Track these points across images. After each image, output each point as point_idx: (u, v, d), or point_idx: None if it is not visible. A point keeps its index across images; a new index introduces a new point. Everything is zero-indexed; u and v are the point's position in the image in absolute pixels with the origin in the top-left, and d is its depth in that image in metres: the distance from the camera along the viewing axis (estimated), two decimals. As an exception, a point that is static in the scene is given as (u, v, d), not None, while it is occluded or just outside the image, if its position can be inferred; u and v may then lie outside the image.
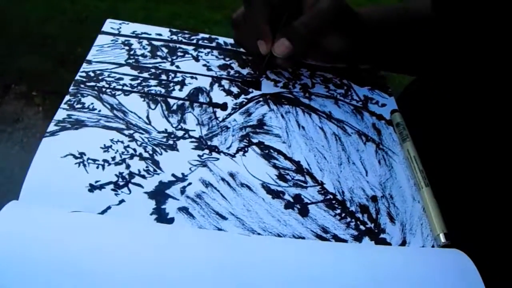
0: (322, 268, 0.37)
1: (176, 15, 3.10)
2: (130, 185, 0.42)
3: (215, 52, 0.58)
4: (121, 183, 0.42)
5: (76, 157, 0.43)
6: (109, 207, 0.40)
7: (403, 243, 0.42)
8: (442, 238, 0.43)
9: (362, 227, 0.43)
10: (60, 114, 0.47)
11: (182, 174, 0.44)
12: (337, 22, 0.53)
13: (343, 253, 0.40)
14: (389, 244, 0.42)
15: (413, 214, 0.45)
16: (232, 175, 0.45)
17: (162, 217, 0.40)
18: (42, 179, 0.41)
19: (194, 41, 0.60)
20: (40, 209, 0.38)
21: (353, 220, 0.43)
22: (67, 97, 0.49)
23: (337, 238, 0.41)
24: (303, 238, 0.41)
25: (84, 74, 0.52)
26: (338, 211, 0.44)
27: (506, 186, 0.49)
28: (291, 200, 0.44)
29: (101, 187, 0.41)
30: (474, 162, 0.52)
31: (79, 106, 0.48)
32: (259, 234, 0.40)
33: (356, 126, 0.52)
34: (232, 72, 0.56)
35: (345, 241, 0.41)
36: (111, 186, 0.41)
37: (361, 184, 0.47)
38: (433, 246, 0.43)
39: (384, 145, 0.51)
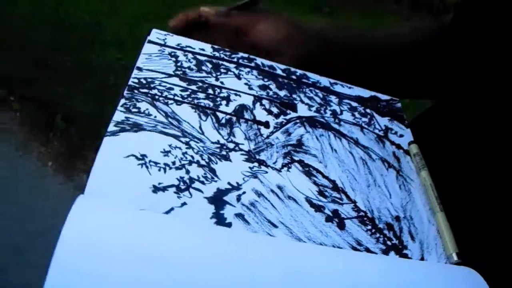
0: (362, 277, 0.43)
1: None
2: (191, 189, 0.46)
3: (255, 72, 0.63)
4: (183, 187, 0.46)
5: (138, 158, 0.47)
6: (172, 209, 0.44)
7: (422, 259, 0.48)
8: (455, 257, 0.49)
9: (389, 242, 0.49)
10: (118, 115, 0.50)
11: (237, 183, 0.48)
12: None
13: (376, 263, 0.46)
14: (410, 259, 0.48)
15: (429, 235, 0.51)
16: (280, 187, 0.50)
17: (220, 221, 0.44)
18: (106, 177, 0.44)
19: (235, 59, 0.64)
20: (110, 204, 0.42)
21: (381, 236, 0.49)
22: (123, 100, 0.52)
23: (368, 251, 0.47)
24: (341, 248, 0.46)
25: (136, 81, 0.55)
26: (369, 227, 0.50)
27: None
28: (330, 214, 0.49)
29: (164, 189, 0.45)
30: (486, 187, 0.59)
31: (135, 110, 0.51)
32: (304, 242, 0.46)
33: (379, 153, 0.58)
34: (270, 93, 0.61)
35: (375, 253, 0.47)
36: (174, 189, 0.45)
37: (386, 205, 0.53)
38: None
39: (403, 172, 0.57)
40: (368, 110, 0.64)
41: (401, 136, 0.62)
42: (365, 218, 0.50)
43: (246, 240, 0.43)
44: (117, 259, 0.37)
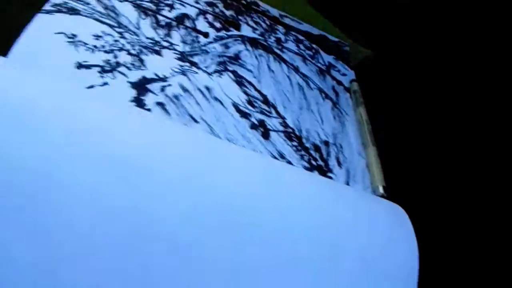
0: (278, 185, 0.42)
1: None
2: (115, 72, 0.45)
3: None
4: (107, 69, 0.45)
5: (68, 36, 0.46)
6: (92, 86, 0.43)
7: (347, 184, 0.48)
8: (381, 189, 0.49)
9: (313, 162, 0.49)
10: None
11: (164, 75, 0.48)
12: None
13: (297, 175, 0.45)
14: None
15: (357, 166, 0.51)
16: (208, 88, 0.49)
17: (140, 105, 0.44)
18: (32, 48, 0.43)
19: None
20: (27, 70, 0.41)
21: (306, 154, 0.49)
22: None
23: (290, 164, 0.47)
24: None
25: None
26: (295, 143, 0.49)
27: (443, 149, 0.56)
28: (256, 123, 0.49)
29: (88, 67, 0.44)
30: (419, 128, 0.59)
31: None
32: (225, 141, 0.45)
33: (318, 83, 0.59)
34: (217, 10, 0.61)
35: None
36: (98, 68, 0.45)
37: (317, 129, 0.53)
38: None
39: (339, 106, 0.57)
40: (314, 45, 0.65)
41: (344, 75, 0.63)
42: (292, 135, 0.50)
43: (163, 125, 0.43)
44: (32, 122, 0.36)
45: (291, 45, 0.62)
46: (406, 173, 0.56)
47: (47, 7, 0.48)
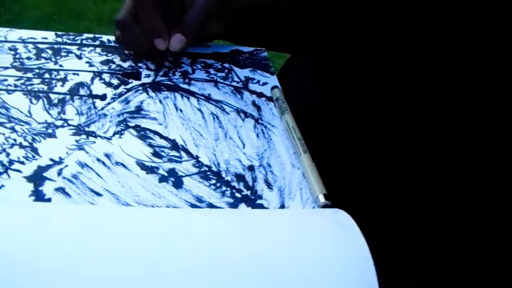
0: (193, 233, 0.42)
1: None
2: (9, 171, 0.47)
3: (98, 50, 0.65)
4: (1, 170, 0.47)
5: (-46, 150, 0.49)
6: None
7: (282, 207, 0.47)
8: (322, 198, 0.48)
9: (238, 194, 0.48)
10: None
11: (60, 157, 0.49)
12: (216, 10, 0.63)
13: (217, 218, 0.45)
14: (267, 208, 0.47)
15: (292, 180, 0.50)
16: (107, 155, 0.50)
17: (39, 198, 0.45)
18: None
19: (78, 41, 0.66)
20: None
21: (228, 188, 0.49)
22: None
23: (212, 207, 0.46)
24: (177, 208, 0.46)
25: None
26: (213, 181, 0.49)
27: (376, 144, 0.55)
28: (165, 174, 0.49)
29: None
30: (347, 126, 0.59)
31: None
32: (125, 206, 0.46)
33: (234, 105, 0.59)
34: (113, 66, 0.62)
35: (220, 208, 0.47)
36: None
37: (238, 156, 0.52)
38: (313, 208, 0.48)
39: (263, 119, 0.57)
40: (226, 65, 0.65)
41: (265, 84, 0.62)
42: (208, 173, 0.50)
43: (58, 212, 0.44)
44: None
45: (199, 74, 0.63)
46: (343, 174, 0.56)
47: None
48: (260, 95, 0.61)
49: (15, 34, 0.66)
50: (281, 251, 0.41)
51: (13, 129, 0.52)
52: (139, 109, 0.57)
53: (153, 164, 0.50)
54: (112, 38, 0.68)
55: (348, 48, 0.60)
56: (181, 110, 0.57)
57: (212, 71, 0.64)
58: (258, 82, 0.63)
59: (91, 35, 0.67)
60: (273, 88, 0.61)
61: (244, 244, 0.41)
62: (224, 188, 0.49)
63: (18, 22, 3.27)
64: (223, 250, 0.40)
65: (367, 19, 0.58)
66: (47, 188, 0.46)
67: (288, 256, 0.40)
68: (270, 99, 0.60)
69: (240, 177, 0.50)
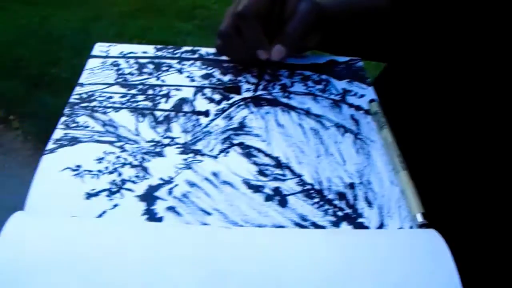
0: (297, 253, 0.44)
1: (147, 29, 3.27)
2: (122, 191, 0.50)
3: (198, 63, 0.67)
4: (114, 190, 0.50)
5: (73, 170, 0.52)
6: (104, 211, 0.48)
7: (381, 226, 0.49)
8: (419, 218, 0.49)
9: (340, 213, 0.50)
10: (57, 133, 0.56)
11: (169, 177, 0.52)
12: (316, 21, 0.65)
13: (315, 238, 0.47)
14: (367, 227, 0.49)
15: (391, 197, 0.52)
16: (215, 174, 0.53)
17: (152, 216, 0.48)
18: (43, 192, 0.49)
19: (178, 55, 0.69)
20: (43, 217, 0.47)
21: (331, 207, 0.50)
22: (63, 118, 0.58)
23: (315, 225, 0.48)
24: (283, 227, 0.48)
25: (77, 97, 0.61)
26: (316, 199, 0.51)
27: (476, 164, 0.56)
28: (271, 192, 0.51)
29: (97, 194, 0.50)
30: (448, 143, 0.59)
31: (74, 125, 0.57)
32: (241, 226, 0.48)
33: (334, 119, 0.60)
34: (214, 80, 0.65)
35: (323, 227, 0.48)
36: (106, 192, 0.50)
37: (339, 173, 0.54)
38: (411, 227, 0.49)
39: (362, 134, 0.58)
40: (323, 76, 0.66)
41: (362, 96, 0.63)
42: (312, 191, 0.52)
43: (171, 233, 0.47)
44: (52, 268, 0.42)
45: (298, 87, 0.64)
46: (442, 191, 0.56)
47: (50, 145, 0.54)
48: (357, 108, 0.62)
49: (116, 49, 0.70)
50: (373, 274, 0.43)
51: (122, 148, 0.55)
52: (242, 125, 0.59)
53: (259, 183, 0.52)
54: (210, 50, 0.70)
55: (452, 56, 0.60)
56: (282, 126, 0.59)
57: (310, 83, 0.65)
58: (355, 94, 0.64)
59: (189, 48, 0.70)
60: (371, 101, 0.62)
61: (341, 267, 0.43)
62: (326, 206, 0.50)
63: (101, 18, 3.35)
64: (323, 271, 0.42)
65: (473, 25, 0.58)
66: (159, 207, 0.49)
67: (380, 280, 0.42)
68: (367, 112, 0.61)
69: (341, 195, 0.51)
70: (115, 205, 0.49)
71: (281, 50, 0.64)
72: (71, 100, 0.61)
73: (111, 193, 0.50)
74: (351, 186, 0.53)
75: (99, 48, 0.69)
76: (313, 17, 0.64)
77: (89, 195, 0.49)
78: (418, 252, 0.45)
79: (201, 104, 0.61)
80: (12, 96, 2.62)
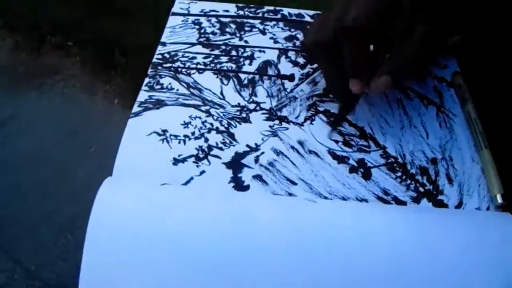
0: (376, 230, 0.46)
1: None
2: (209, 157, 0.51)
3: (281, 24, 0.67)
4: (201, 156, 0.52)
5: (159, 134, 0.53)
6: (192, 178, 0.49)
7: (460, 204, 0.50)
8: (499, 199, 0.49)
9: (421, 189, 0.51)
10: (142, 95, 0.57)
11: (256, 144, 0.53)
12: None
13: (397, 216, 0.47)
14: (446, 205, 0.50)
15: (472, 175, 0.52)
16: (301, 143, 0.53)
17: (239, 185, 0.49)
18: (131, 157, 0.51)
19: (260, 14, 0.68)
20: (133, 183, 0.48)
21: (412, 182, 0.51)
22: (147, 79, 0.59)
23: (397, 200, 0.50)
24: (366, 200, 0.49)
25: (160, 57, 0.62)
26: (399, 173, 0.52)
27: None
28: (355, 164, 0.52)
29: (184, 160, 0.51)
30: None
31: (158, 87, 0.58)
32: (325, 197, 0.49)
33: (418, 90, 0.60)
34: (297, 43, 0.64)
35: (404, 202, 0.49)
36: (193, 159, 0.51)
37: (422, 147, 0.54)
38: (488, 207, 0.49)
39: (445, 107, 0.58)
40: None
41: (445, 67, 0.62)
42: (395, 165, 0.52)
43: (258, 205, 0.48)
44: (144, 237, 0.43)
45: None
46: None
47: (135, 108, 0.55)
48: (441, 79, 0.61)
49: (196, 6, 0.69)
50: (446, 256, 0.44)
51: (208, 113, 0.56)
52: (327, 92, 0.59)
53: (344, 154, 0.53)
54: (292, 11, 0.69)
55: None
56: (367, 94, 0.58)
57: None
58: (438, 64, 0.63)
59: (271, 8, 0.69)
60: (454, 74, 0.61)
61: (418, 247, 0.44)
62: (409, 181, 0.51)
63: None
64: (401, 250, 0.43)
65: None
66: (246, 175, 0.51)
67: (451, 262, 0.44)
68: (450, 84, 0.60)
69: (424, 171, 0.52)
70: (202, 172, 0.50)
71: (387, 82, 0.51)
72: (154, 60, 0.61)
73: (198, 159, 0.51)
74: (434, 161, 0.53)
75: (179, 5, 0.69)
76: (433, 40, 0.52)
77: (177, 161, 0.51)
78: (493, 237, 0.46)
79: (285, 67, 0.61)
80: (70, 22, 2.58)
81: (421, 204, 0.49)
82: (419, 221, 0.46)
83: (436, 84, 0.60)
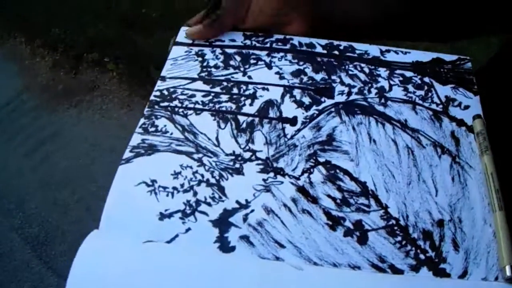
0: None
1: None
2: (196, 213, 0.49)
3: (289, 56, 0.62)
4: (188, 212, 0.49)
5: (148, 185, 0.51)
6: (177, 235, 0.47)
7: (464, 273, 0.45)
8: (508, 272, 0.44)
9: (422, 256, 0.46)
10: (135, 139, 0.55)
11: (246, 200, 0.50)
12: None
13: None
14: (448, 274, 0.45)
15: (481, 240, 0.47)
16: (294, 200, 0.50)
17: (224, 245, 0.47)
18: (118, 208, 0.50)
19: (268, 44, 0.63)
20: (116, 241, 0.47)
21: (413, 248, 0.47)
22: (142, 120, 0.57)
23: (393, 268, 0.45)
24: (359, 267, 0.45)
25: (158, 93, 0.59)
26: (399, 238, 0.47)
27: None
28: (351, 227, 0.48)
29: (170, 215, 0.49)
30: None
31: (152, 129, 0.55)
32: (315, 263, 0.46)
33: (432, 135, 0.54)
34: (305, 79, 0.59)
35: (401, 271, 0.45)
36: (179, 214, 0.49)
37: (429, 206, 0.49)
38: (496, 278, 0.44)
39: (461, 157, 0.52)
40: (426, 79, 0.59)
41: (466, 108, 0.56)
42: (396, 227, 0.48)
43: (242, 269, 0.46)
44: None
45: (396, 92, 0.58)
46: None
47: (126, 154, 0.54)
48: (460, 123, 0.55)
49: None
50: None
51: (201, 162, 0.53)
52: (330, 139, 0.55)
53: (340, 214, 0.49)
54: (303, 40, 0.64)
55: None
56: (374, 141, 0.54)
57: (410, 87, 0.59)
58: (459, 104, 0.57)
59: (281, 37, 0.64)
60: (475, 118, 0.55)
61: None
62: (409, 247, 0.47)
63: None
64: None
65: None
66: (232, 235, 0.48)
67: None
68: (470, 129, 0.55)
69: (427, 235, 0.47)
70: (188, 229, 0.48)
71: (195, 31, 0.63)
72: (152, 98, 0.59)
73: (185, 215, 0.49)
74: (440, 223, 0.48)
75: (183, 33, 0.65)
76: None
77: (163, 216, 0.49)
78: None
79: (288, 108, 0.57)
80: (105, 39, 2.67)
81: (420, 273, 0.45)
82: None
83: (454, 129, 0.55)
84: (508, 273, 0.44)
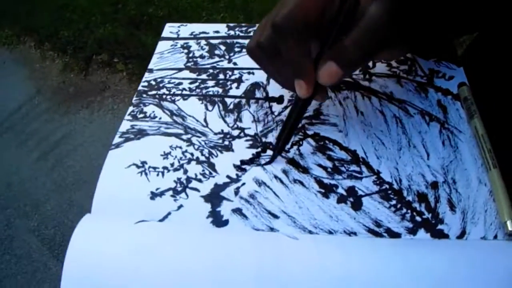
0: (365, 268, 0.40)
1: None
2: (187, 190, 0.47)
3: None
4: (179, 189, 0.47)
5: (138, 167, 0.49)
6: (169, 213, 0.45)
7: (462, 234, 0.43)
8: (510, 226, 0.42)
9: (418, 218, 0.44)
10: (124, 125, 0.54)
11: (236, 175, 0.48)
12: (396, 28, 0.42)
13: (388, 252, 0.41)
14: (446, 235, 0.43)
15: (478, 199, 0.45)
16: (285, 171, 0.48)
17: (217, 219, 0.45)
18: (110, 191, 0.48)
19: (251, 33, 0.63)
20: (108, 222, 0.45)
21: (408, 211, 0.44)
22: (131, 108, 0.55)
23: (390, 232, 0.43)
24: (355, 233, 0.43)
25: (146, 84, 0.58)
26: (394, 202, 0.45)
27: None
28: (344, 193, 0.46)
29: (161, 194, 0.47)
30: None
31: (141, 115, 0.54)
32: (310, 231, 0.44)
33: (419, 105, 0.53)
34: None
35: (398, 234, 0.43)
36: (170, 192, 0.47)
37: (421, 169, 0.47)
38: (495, 236, 0.42)
39: (449, 123, 0.51)
40: (409, 55, 0.58)
41: (451, 78, 0.55)
42: (390, 191, 0.46)
43: (236, 243, 0.44)
44: (118, 281, 0.41)
45: (380, 67, 0.57)
46: None
47: (116, 139, 0.52)
48: (446, 92, 0.53)
49: (186, 29, 0.65)
50: None
51: (190, 142, 0.52)
52: (318, 113, 0.53)
53: (332, 182, 0.47)
54: None
55: None
56: (362, 113, 0.52)
57: (394, 63, 0.57)
58: (443, 76, 0.55)
59: (263, 25, 0.63)
60: (460, 85, 0.53)
61: (411, 285, 0.39)
62: (404, 210, 0.45)
63: None
64: None
65: None
66: (225, 209, 0.46)
67: None
68: (456, 97, 0.53)
69: (422, 197, 0.45)
70: (180, 206, 0.46)
71: (333, 70, 0.43)
72: (140, 88, 0.58)
73: (176, 192, 0.47)
74: (434, 185, 0.46)
75: (169, 29, 0.66)
76: (386, 24, 0.41)
77: (154, 195, 0.47)
78: (501, 272, 0.40)
79: (274, 89, 0.56)
80: (114, 39, 2.70)
81: (417, 235, 0.43)
82: (415, 256, 0.41)
83: (440, 98, 0.53)
84: (510, 227, 0.41)
